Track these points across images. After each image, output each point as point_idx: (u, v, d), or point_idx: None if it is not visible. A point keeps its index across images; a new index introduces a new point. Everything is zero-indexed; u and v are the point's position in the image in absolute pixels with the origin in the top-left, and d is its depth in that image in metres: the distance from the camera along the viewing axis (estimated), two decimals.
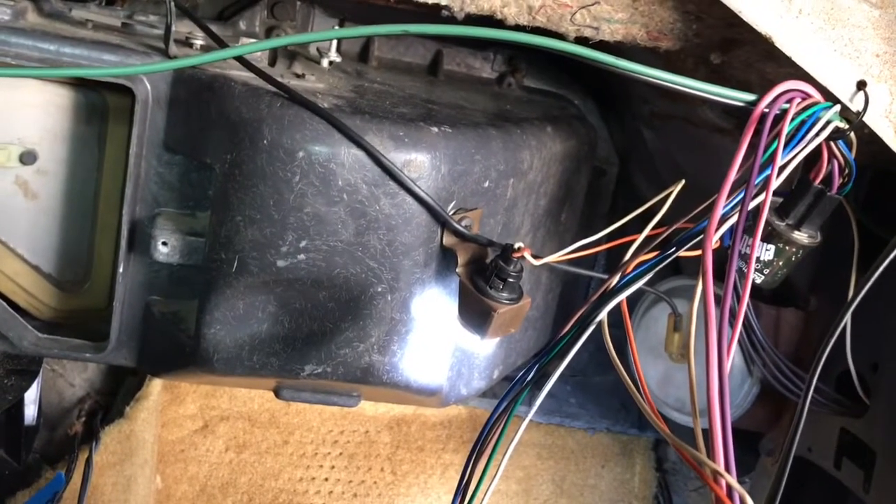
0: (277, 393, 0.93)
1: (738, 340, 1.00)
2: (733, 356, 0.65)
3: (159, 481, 1.15)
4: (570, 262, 0.85)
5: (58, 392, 1.05)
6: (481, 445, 0.74)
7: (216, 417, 1.20)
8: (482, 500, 0.70)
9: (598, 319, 0.69)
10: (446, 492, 1.29)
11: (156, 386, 1.12)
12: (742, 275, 0.74)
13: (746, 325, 1.01)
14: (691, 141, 1.15)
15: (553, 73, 1.25)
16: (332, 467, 1.25)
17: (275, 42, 0.85)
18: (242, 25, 1.11)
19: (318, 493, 1.23)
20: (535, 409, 0.86)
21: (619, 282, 0.72)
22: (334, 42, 0.96)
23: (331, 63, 1.01)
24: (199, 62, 0.77)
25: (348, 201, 0.80)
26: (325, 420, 1.25)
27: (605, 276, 0.81)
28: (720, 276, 0.67)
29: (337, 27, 1.11)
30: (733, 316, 0.68)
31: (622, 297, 0.69)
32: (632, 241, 0.86)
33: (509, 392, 0.74)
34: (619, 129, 1.30)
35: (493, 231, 0.90)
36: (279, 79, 0.83)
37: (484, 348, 0.98)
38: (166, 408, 1.15)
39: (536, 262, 0.82)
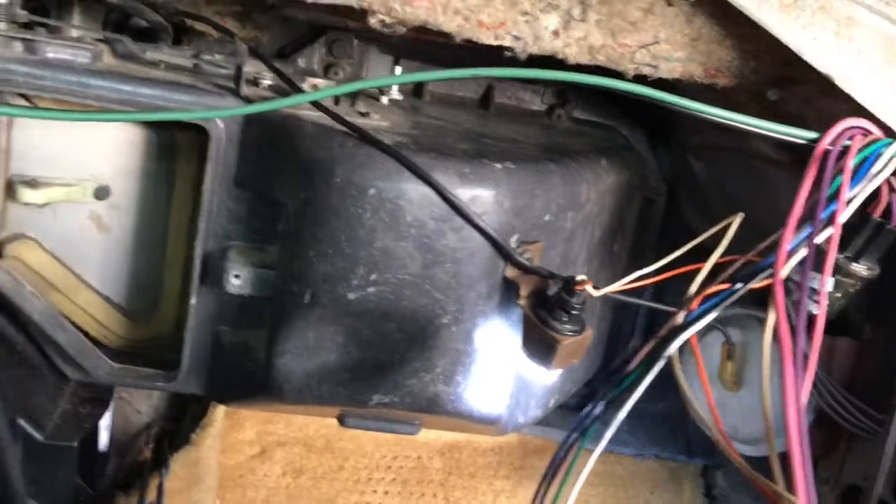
0: (342, 421, 0.96)
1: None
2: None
3: None
4: (626, 292, 0.87)
5: (125, 418, 1.08)
6: (551, 477, 0.76)
7: (273, 443, 1.23)
8: None
9: (668, 354, 0.71)
10: None
11: (219, 412, 1.15)
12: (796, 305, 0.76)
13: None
14: (742, 172, 1.17)
15: (601, 105, 1.27)
16: (386, 493, 1.27)
17: (353, 86, 0.89)
18: (301, 63, 1.15)
19: None
20: (605, 442, 0.88)
21: (688, 316, 0.73)
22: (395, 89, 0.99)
23: (390, 100, 1.04)
24: (277, 107, 0.81)
25: (416, 236, 0.82)
26: (379, 445, 1.27)
27: (671, 309, 0.83)
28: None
29: (398, 69, 1.15)
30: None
31: (693, 331, 0.71)
32: (688, 273, 0.89)
33: (578, 426, 0.76)
34: (667, 158, 1.32)
35: (553, 263, 0.92)
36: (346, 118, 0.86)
37: (541, 377, 1.00)
38: (226, 433, 1.18)
39: (597, 294, 0.84)
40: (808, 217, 0.70)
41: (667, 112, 1.23)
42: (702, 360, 0.76)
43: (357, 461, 1.26)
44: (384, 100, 1.05)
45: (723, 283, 0.77)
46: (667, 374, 1.38)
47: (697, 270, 0.89)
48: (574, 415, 1.27)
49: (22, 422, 0.86)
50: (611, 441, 1.38)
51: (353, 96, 1.03)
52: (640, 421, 1.37)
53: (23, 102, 0.91)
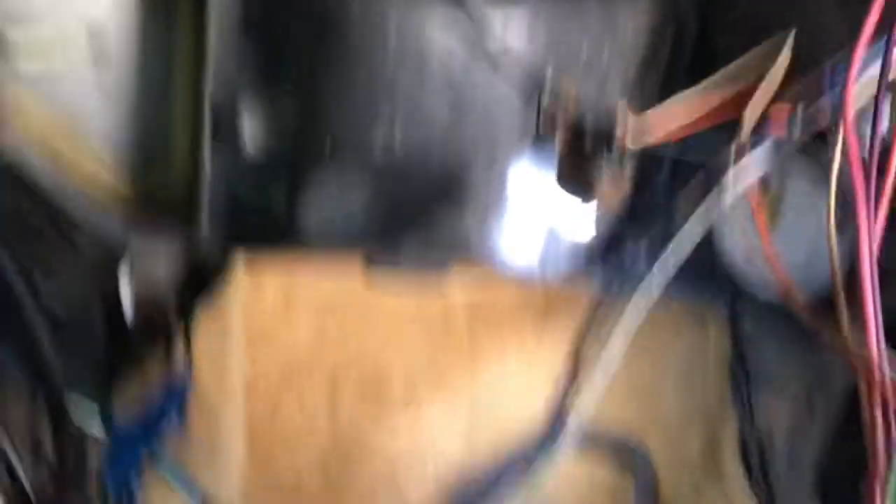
0: (369, 268, 0.93)
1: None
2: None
3: (247, 366, 1.16)
4: None
5: (143, 281, 1.06)
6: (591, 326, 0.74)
7: (297, 301, 1.20)
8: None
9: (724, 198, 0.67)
10: (524, 366, 1.31)
11: (240, 270, 1.12)
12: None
13: None
14: None
15: None
16: (413, 342, 1.27)
17: None
18: None
19: (401, 367, 1.25)
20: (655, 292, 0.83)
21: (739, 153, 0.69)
22: None
23: None
24: None
25: (442, 75, 0.76)
26: (404, 301, 1.25)
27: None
28: None
29: None
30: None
31: (753, 171, 0.66)
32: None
33: (618, 274, 0.73)
34: None
35: (590, 101, 0.86)
36: None
37: (573, 229, 0.97)
38: (248, 295, 1.15)
39: (638, 135, 0.79)
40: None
41: None
42: (758, 204, 0.71)
43: (382, 315, 1.25)
44: None
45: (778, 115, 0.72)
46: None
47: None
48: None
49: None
50: (633, 283, 1.37)
51: None
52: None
53: None
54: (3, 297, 0.78)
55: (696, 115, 0.85)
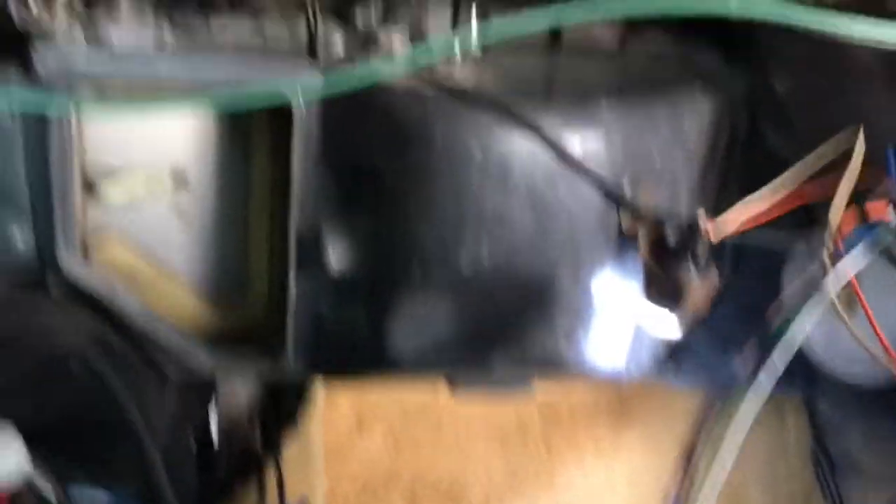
0: (453, 388, 0.93)
1: None
2: None
3: (326, 482, 1.16)
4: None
5: (226, 409, 1.06)
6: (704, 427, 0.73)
7: (370, 414, 1.21)
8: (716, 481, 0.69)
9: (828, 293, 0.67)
10: (602, 467, 1.29)
11: (320, 390, 1.13)
12: None
13: None
14: (831, 85, 1.10)
15: (672, 31, 1.20)
16: (487, 450, 1.25)
17: (456, 38, 0.83)
18: (359, 14, 1.08)
19: (479, 477, 1.24)
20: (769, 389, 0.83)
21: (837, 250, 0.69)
22: (474, 31, 0.92)
23: (462, 52, 0.98)
24: (378, 73, 0.75)
25: (526, 192, 0.78)
26: (476, 406, 1.25)
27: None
28: None
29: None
30: None
31: (855, 266, 0.67)
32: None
33: (727, 375, 0.72)
34: (744, 79, 1.25)
35: (662, 206, 0.87)
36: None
37: (656, 327, 0.96)
38: (323, 410, 1.16)
39: (716, 234, 0.80)
40: None
41: (744, 29, 1.17)
42: (861, 293, 0.71)
43: (455, 423, 1.24)
44: (457, 52, 0.99)
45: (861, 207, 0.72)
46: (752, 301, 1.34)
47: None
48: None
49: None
50: (708, 377, 1.36)
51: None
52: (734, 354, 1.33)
53: (91, 93, 0.87)
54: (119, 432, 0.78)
55: (769, 210, 0.86)
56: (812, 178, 0.89)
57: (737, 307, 1.02)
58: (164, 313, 0.95)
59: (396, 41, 0.91)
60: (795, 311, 0.69)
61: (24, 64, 0.81)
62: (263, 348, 0.94)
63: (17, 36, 0.83)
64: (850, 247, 0.70)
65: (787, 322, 0.70)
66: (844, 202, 0.73)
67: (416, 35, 1.01)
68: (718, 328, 1.25)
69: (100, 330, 0.90)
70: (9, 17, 0.80)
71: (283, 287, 0.98)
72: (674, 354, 1.14)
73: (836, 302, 0.69)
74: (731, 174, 1.23)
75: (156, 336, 0.90)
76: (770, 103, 1.25)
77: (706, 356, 1.32)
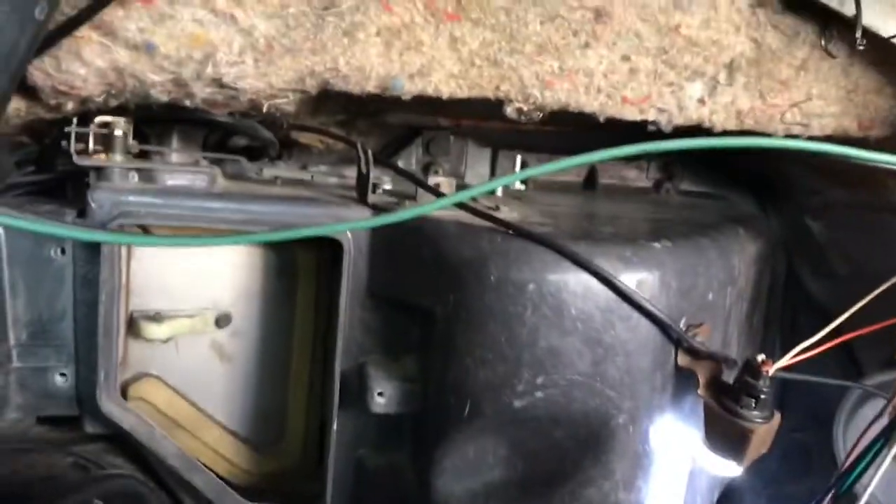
0: None
1: None
2: None
3: None
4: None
5: None
6: None
7: None
8: None
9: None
10: None
11: None
12: None
13: None
14: (867, 228, 1.11)
15: (706, 174, 1.22)
16: None
17: (496, 183, 0.84)
18: (401, 163, 1.11)
19: None
20: None
21: None
22: (517, 167, 0.94)
23: (504, 191, 1.00)
24: (428, 210, 0.76)
25: (583, 330, 0.76)
26: None
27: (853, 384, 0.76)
28: None
29: (517, 162, 1.10)
30: None
31: None
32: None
33: None
34: (779, 222, 1.26)
35: (715, 344, 0.85)
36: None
37: (706, 471, 0.92)
38: None
39: (781, 374, 0.77)
40: None
41: (777, 174, 1.19)
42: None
43: None
44: (499, 192, 1.01)
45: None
46: (807, 452, 1.28)
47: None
48: None
49: None
50: None
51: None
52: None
53: (142, 233, 0.87)
54: None
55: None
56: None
57: (783, 448, 0.98)
58: (201, 456, 0.91)
59: (443, 182, 0.93)
60: (864, 462, 0.66)
61: (79, 200, 0.83)
62: (301, 496, 0.90)
63: (74, 173, 0.85)
64: None
65: (854, 473, 0.66)
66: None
67: (459, 178, 1.03)
68: (768, 470, 1.20)
69: (131, 471, 0.86)
70: (67, 154, 0.81)
71: (322, 429, 0.95)
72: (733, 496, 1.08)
73: None
74: (772, 315, 1.22)
75: (193, 481, 0.86)
76: (806, 247, 1.25)
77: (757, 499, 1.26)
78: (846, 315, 0.84)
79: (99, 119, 0.82)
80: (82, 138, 0.83)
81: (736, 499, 1.24)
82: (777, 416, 0.77)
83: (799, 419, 1.08)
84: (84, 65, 0.73)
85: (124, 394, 0.88)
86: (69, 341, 0.83)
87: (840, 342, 0.87)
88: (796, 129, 0.81)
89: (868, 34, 0.72)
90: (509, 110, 0.78)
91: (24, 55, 0.67)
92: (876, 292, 0.80)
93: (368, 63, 0.74)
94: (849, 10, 0.72)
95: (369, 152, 0.86)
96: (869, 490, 0.66)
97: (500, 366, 0.77)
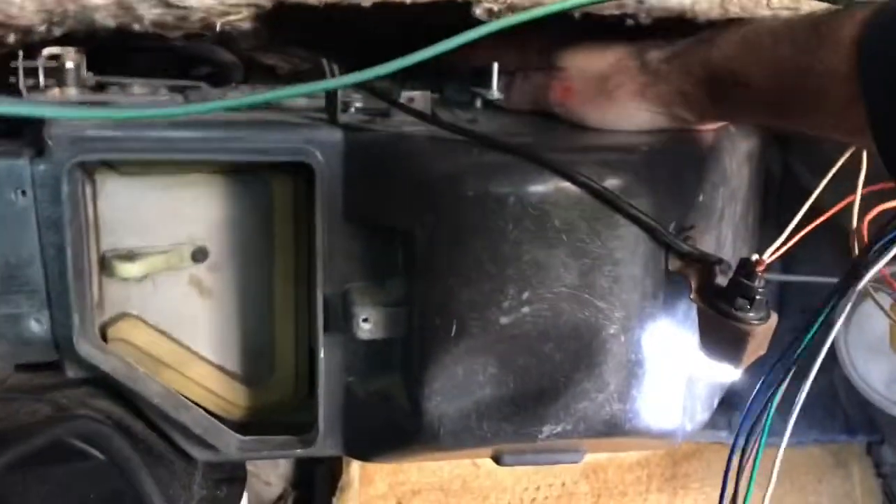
0: (499, 460, 0.86)
1: None
2: None
3: None
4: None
5: (257, 494, 1.00)
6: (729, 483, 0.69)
7: (408, 492, 1.14)
8: None
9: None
10: None
11: (354, 469, 1.06)
12: None
13: None
14: None
15: None
16: None
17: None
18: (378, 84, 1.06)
19: None
20: (788, 433, 0.80)
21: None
22: (495, 78, 0.89)
23: (486, 103, 0.95)
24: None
25: (568, 241, 0.73)
26: (519, 478, 1.18)
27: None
28: None
29: None
30: None
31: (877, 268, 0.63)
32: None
33: (746, 420, 0.68)
34: None
35: (708, 247, 0.82)
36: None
37: (704, 377, 0.90)
38: (360, 489, 1.09)
39: (766, 274, 0.75)
40: None
41: None
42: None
43: (498, 498, 1.17)
44: (477, 104, 0.96)
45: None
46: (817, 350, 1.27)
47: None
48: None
49: None
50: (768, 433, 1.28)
51: (445, 106, 0.94)
52: (791, 406, 1.25)
53: (107, 170, 0.84)
54: None
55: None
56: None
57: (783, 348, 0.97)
58: (188, 393, 0.89)
59: (417, 96, 0.88)
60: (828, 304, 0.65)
61: (35, 138, 0.79)
62: (293, 428, 0.89)
63: None
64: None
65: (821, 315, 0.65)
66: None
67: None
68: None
69: (119, 414, 0.85)
70: (18, 91, 0.77)
71: (311, 360, 0.93)
72: (726, 408, 1.07)
73: (872, 292, 0.65)
74: (767, 211, 1.19)
75: (180, 418, 0.84)
76: (802, 142, 1.21)
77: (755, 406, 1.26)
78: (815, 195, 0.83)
79: (47, 51, 0.78)
80: (31, 73, 0.78)
81: (736, 401, 1.24)
82: (774, 317, 0.75)
83: (798, 318, 1.06)
84: None
85: (104, 336, 0.86)
86: (41, 286, 0.80)
87: (822, 222, 0.85)
88: (785, 14, 0.77)
89: None
90: (479, 11, 0.73)
91: None
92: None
93: None
94: None
95: (335, 68, 0.81)
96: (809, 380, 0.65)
97: (485, 283, 0.74)
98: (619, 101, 0.77)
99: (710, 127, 0.81)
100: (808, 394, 1.29)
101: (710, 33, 0.72)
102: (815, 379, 1.24)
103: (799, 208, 1.23)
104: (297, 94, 0.74)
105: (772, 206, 1.20)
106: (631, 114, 0.77)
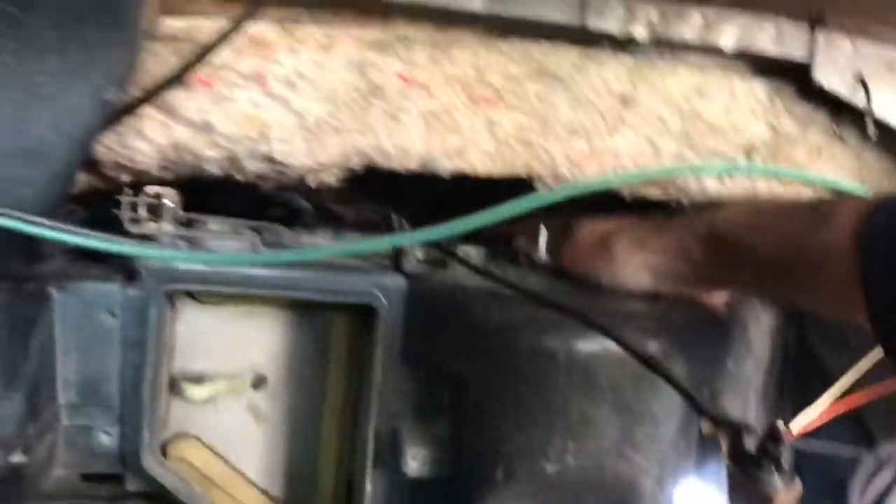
0: None
1: None
2: None
3: None
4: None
5: None
6: None
7: None
8: None
9: None
10: None
11: None
12: None
13: None
14: None
15: None
16: None
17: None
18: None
19: None
20: None
21: None
22: (543, 241, 0.98)
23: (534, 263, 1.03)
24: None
25: (612, 398, 0.79)
26: None
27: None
28: None
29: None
30: None
31: None
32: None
33: None
34: None
35: (737, 413, 0.89)
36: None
37: None
38: None
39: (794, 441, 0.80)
40: None
41: None
42: None
43: None
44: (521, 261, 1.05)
45: None
46: None
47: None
48: None
49: None
50: None
51: (492, 259, 1.02)
52: None
53: (187, 298, 0.91)
54: None
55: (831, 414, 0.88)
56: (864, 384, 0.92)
57: None
58: None
59: (472, 252, 0.97)
60: None
61: (128, 266, 0.87)
62: None
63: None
64: None
65: None
66: None
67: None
68: None
69: None
70: (117, 222, 0.86)
71: (349, 494, 0.97)
72: None
73: None
74: (784, 384, 1.25)
75: None
76: (817, 319, 1.29)
77: None
78: (843, 379, 0.88)
79: (151, 189, 0.87)
80: (132, 207, 0.87)
81: None
82: (798, 483, 0.80)
83: (814, 491, 1.10)
84: (145, 141, 0.78)
85: (164, 453, 0.91)
86: (115, 401, 0.86)
87: (848, 407, 0.91)
88: None
89: (878, 124, 0.77)
90: (540, 188, 0.83)
91: (95, 134, 0.73)
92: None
93: (411, 143, 0.79)
94: (860, 100, 0.78)
95: (402, 221, 0.90)
96: None
97: (533, 431, 0.80)
98: (619, 255, 0.81)
99: (719, 296, 0.88)
100: None
101: (712, 202, 0.80)
102: None
103: (815, 380, 1.29)
104: (375, 249, 0.82)
105: (788, 378, 1.27)
106: (631, 268, 0.81)
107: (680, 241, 0.77)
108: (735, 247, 0.74)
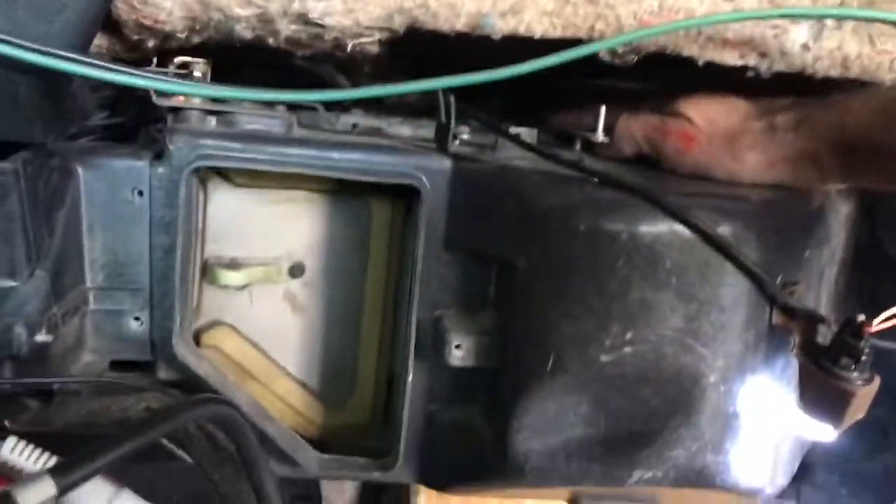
0: (577, 502, 0.85)
1: None
2: None
3: None
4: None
5: None
6: None
7: None
8: None
9: None
10: None
11: (422, 501, 1.05)
12: None
13: None
14: None
15: None
16: None
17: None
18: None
19: None
20: None
21: None
22: (601, 121, 0.90)
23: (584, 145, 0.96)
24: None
25: (677, 284, 0.73)
26: None
27: None
28: None
29: None
30: None
31: None
32: None
33: None
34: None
35: (809, 305, 0.81)
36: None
37: (800, 434, 0.88)
38: None
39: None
40: None
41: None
42: None
43: None
44: (577, 145, 0.97)
45: None
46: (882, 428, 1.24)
47: None
48: None
49: None
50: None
51: (554, 143, 0.95)
52: (862, 482, 1.22)
53: (220, 180, 0.86)
54: None
55: None
56: None
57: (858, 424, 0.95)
58: (271, 406, 0.90)
59: (524, 133, 0.90)
60: None
61: (153, 143, 0.81)
62: (364, 452, 0.88)
63: (154, 118, 0.83)
64: None
65: None
66: None
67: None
68: (841, 446, 1.16)
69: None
70: (147, 99, 0.80)
71: (390, 386, 0.93)
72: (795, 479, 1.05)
73: None
74: (853, 279, 1.17)
75: (266, 430, 0.85)
76: (891, 212, 1.20)
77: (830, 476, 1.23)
78: None
79: (179, 59, 0.81)
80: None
81: (809, 474, 1.20)
82: (877, 380, 0.74)
83: (887, 392, 1.04)
84: None
85: (197, 341, 0.87)
86: (145, 286, 0.82)
87: None
88: None
89: None
90: (602, 52, 0.74)
91: None
92: None
93: None
94: None
95: (451, 99, 0.83)
96: None
97: (588, 319, 0.74)
98: (748, 163, 0.77)
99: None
100: (877, 472, 1.26)
101: (839, 98, 0.73)
102: (882, 455, 1.22)
103: (884, 277, 1.21)
104: (415, 90, 0.74)
105: (856, 274, 1.19)
106: (757, 174, 0.78)
107: (810, 154, 0.75)
108: (872, 153, 0.71)
